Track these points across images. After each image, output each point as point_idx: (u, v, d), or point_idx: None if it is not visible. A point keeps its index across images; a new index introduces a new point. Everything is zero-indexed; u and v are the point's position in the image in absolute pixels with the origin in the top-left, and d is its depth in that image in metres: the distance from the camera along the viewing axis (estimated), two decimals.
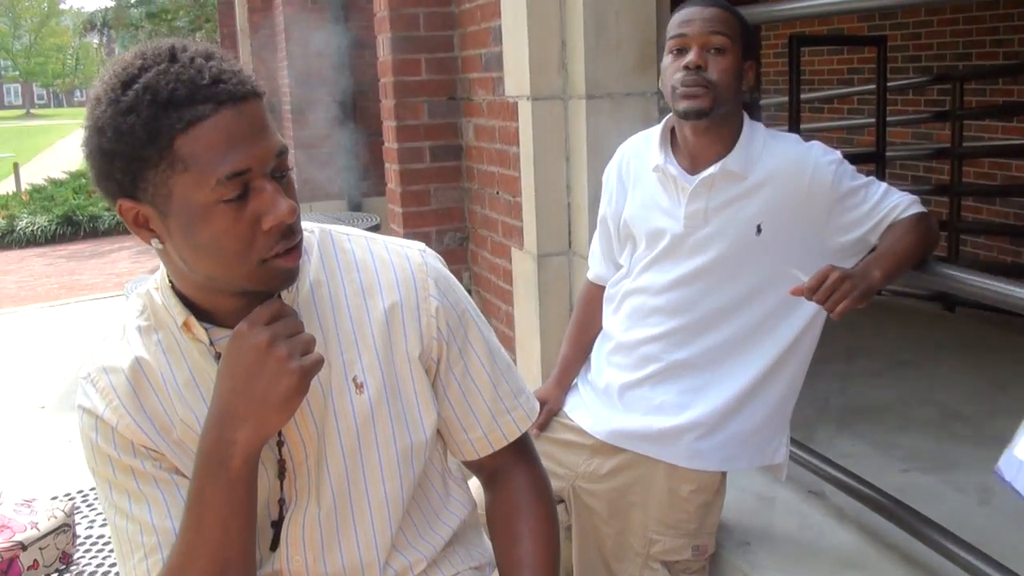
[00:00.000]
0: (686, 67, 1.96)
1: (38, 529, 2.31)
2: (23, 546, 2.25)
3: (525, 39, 3.15)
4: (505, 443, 1.53)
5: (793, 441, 2.58)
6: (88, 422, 1.35)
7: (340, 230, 1.46)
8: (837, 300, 1.78)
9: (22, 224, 13.60)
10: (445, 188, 4.22)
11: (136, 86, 1.13)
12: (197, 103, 1.13)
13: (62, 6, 65.27)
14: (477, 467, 1.58)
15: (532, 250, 3.26)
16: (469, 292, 4.25)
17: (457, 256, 4.24)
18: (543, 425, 2.30)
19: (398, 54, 4.14)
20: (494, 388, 1.50)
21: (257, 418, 1.19)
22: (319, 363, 1.22)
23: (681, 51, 1.99)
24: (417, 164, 4.19)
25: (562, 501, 2.26)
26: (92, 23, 27.50)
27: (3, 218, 13.82)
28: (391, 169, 4.32)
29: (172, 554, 1.27)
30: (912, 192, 2.04)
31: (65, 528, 2.38)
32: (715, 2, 2.00)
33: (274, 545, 1.38)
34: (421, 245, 1.50)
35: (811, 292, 1.80)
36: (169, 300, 1.32)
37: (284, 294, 1.31)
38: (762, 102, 6.10)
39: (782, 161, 2.03)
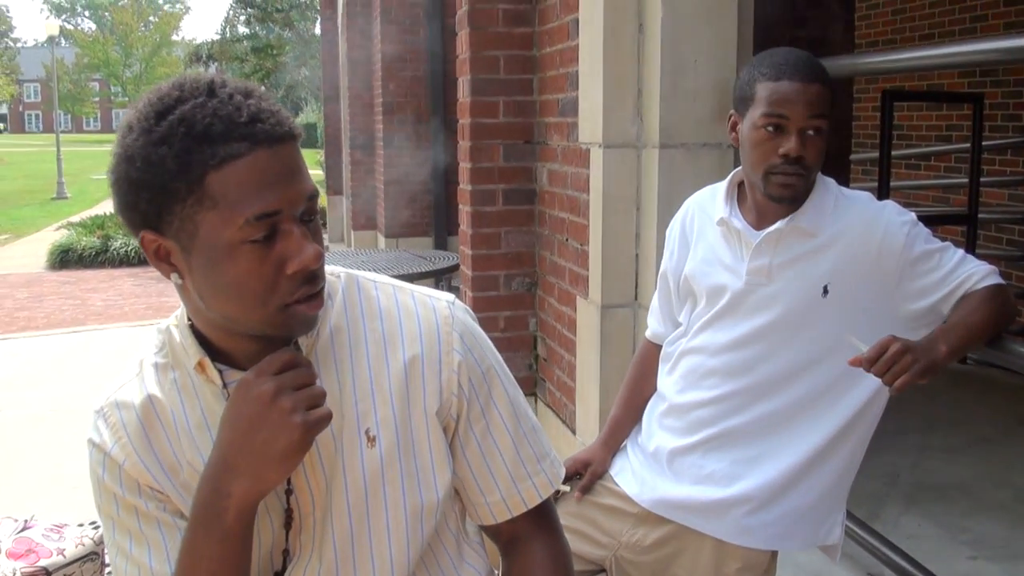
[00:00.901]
0: (785, 155, 1.86)
1: (64, 556, 2.30)
2: (47, 572, 2.25)
3: (600, 85, 3.10)
4: (524, 509, 1.45)
5: (855, 518, 2.45)
6: (96, 457, 1.32)
7: (368, 276, 1.41)
8: (896, 374, 1.66)
9: (116, 244, 13.97)
10: (516, 232, 4.16)
11: (171, 117, 1.11)
12: (232, 140, 1.10)
13: (174, 37, 67.46)
14: (494, 533, 1.49)
15: (596, 300, 3.18)
16: (535, 340, 4.23)
17: (524, 302, 4.18)
18: (586, 488, 2.20)
19: (477, 96, 4.11)
20: (516, 450, 1.43)
21: (254, 472, 1.15)
22: (325, 419, 1.16)
23: (778, 129, 1.88)
24: (489, 207, 4.15)
25: (603, 571, 2.16)
26: (198, 55, 28.29)
27: (98, 238, 14.21)
28: (464, 210, 4.29)
29: None
30: (1004, 257, 1.91)
31: (93, 556, 2.36)
32: (814, 73, 1.88)
33: None
34: (451, 297, 1.43)
35: (869, 363, 1.68)
36: (187, 339, 1.28)
37: (302, 340, 1.27)
38: (854, 156, 5.96)
39: (853, 220, 1.93)
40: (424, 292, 1.42)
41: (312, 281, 1.18)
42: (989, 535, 2.83)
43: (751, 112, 1.91)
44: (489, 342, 1.45)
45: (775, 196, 1.91)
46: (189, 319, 1.28)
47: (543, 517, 1.49)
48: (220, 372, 1.27)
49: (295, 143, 1.17)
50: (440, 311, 1.39)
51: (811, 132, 1.86)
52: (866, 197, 2.00)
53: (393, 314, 1.37)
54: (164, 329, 1.35)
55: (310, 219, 1.18)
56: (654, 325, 2.28)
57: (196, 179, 1.10)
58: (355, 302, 1.37)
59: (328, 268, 1.37)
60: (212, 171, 1.09)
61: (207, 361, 1.26)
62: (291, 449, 1.14)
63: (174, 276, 1.19)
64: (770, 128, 1.87)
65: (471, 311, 1.46)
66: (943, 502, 3.04)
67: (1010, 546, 2.75)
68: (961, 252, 1.92)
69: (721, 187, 2.07)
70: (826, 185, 1.98)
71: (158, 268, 1.21)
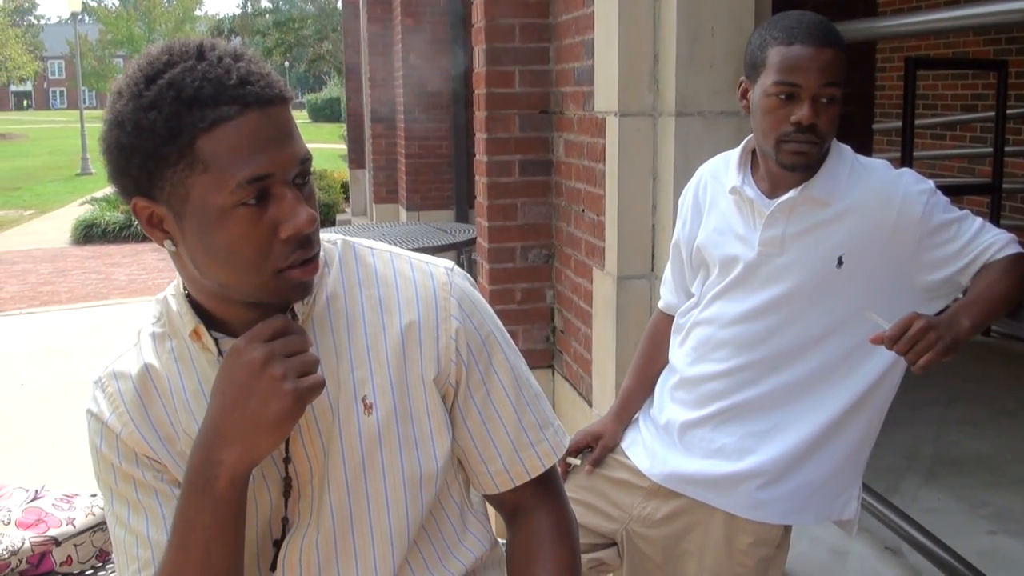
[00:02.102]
0: (798, 123, 1.81)
1: (74, 526, 2.31)
2: (56, 541, 2.26)
3: (615, 53, 3.05)
4: (527, 478, 1.43)
5: (874, 493, 2.42)
6: (94, 427, 1.32)
7: (365, 243, 1.40)
8: (920, 352, 1.61)
9: None
10: (533, 203, 4.12)
11: (160, 81, 1.10)
12: (222, 103, 1.09)
13: (197, 12, 67.45)
14: (498, 503, 1.48)
15: (612, 271, 3.14)
16: (552, 312, 4.20)
17: (541, 274, 4.14)
18: (597, 461, 2.17)
19: (492, 66, 4.07)
20: (518, 418, 1.41)
21: (245, 440, 1.14)
22: (317, 386, 1.15)
23: (790, 97, 1.81)
24: (506, 178, 4.11)
25: (614, 544, 2.13)
26: (220, 29, 28.30)
27: (122, 213, 14.28)
28: (480, 182, 4.25)
29: (159, 568, 1.22)
30: None
31: (103, 526, 2.36)
32: (828, 38, 1.81)
33: (274, 565, 1.32)
34: (449, 263, 1.41)
35: (892, 342, 1.63)
36: (183, 307, 1.28)
37: (298, 307, 1.26)
38: (878, 126, 5.88)
39: (869, 189, 1.88)
40: (422, 259, 1.41)
41: (306, 246, 1.17)
42: (1010, 509, 2.78)
43: (762, 79, 1.85)
44: (489, 309, 1.43)
45: (787, 164, 1.86)
46: (185, 288, 1.28)
47: (547, 486, 1.47)
48: (216, 340, 1.26)
49: (286, 106, 1.16)
50: (438, 277, 1.37)
51: (824, 100, 1.81)
52: (883, 165, 1.94)
53: (390, 281, 1.35)
54: (161, 299, 1.34)
55: (304, 182, 1.17)
56: (667, 296, 2.24)
57: (186, 143, 1.09)
58: (352, 269, 1.35)
59: (325, 235, 1.36)
60: (202, 134, 1.08)
61: (202, 329, 1.25)
62: (282, 416, 1.13)
63: (168, 243, 1.19)
64: (782, 96, 1.82)
65: (470, 277, 1.44)
66: (964, 476, 3.00)
67: None
68: (980, 221, 1.87)
69: (734, 155, 2.02)
70: (841, 153, 1.92)
71: (151, 235, 1.20)
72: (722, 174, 2.06)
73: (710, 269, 2.05)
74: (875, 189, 1.88)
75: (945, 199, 1.88)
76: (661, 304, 2.27)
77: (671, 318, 2.20)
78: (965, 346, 1.67)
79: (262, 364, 1.12)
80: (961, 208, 1.90)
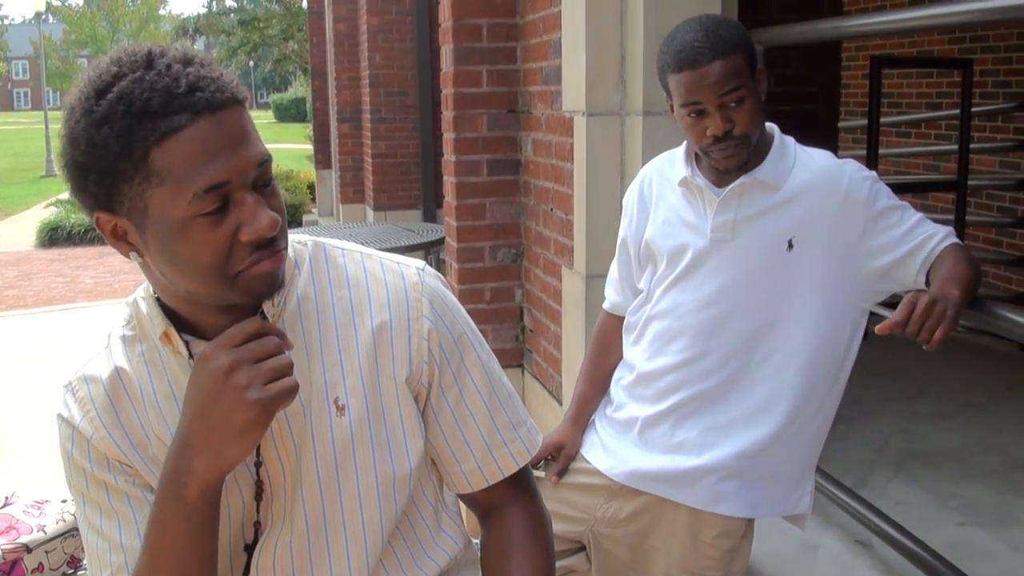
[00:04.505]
0: (713, 136, 1.87)
1: (45, 532, 2.29)
2: (27, 548, 2.23)
3: (583, 52, 3.05)
4: (500, 477, 1.43)
5: (843, 486, 2.44)
6: (65, 432, 1.31)
7: (335, 244, 1.40)
8: (932, 328, 1.63)
9: None
10: (501, 203, 4.12)
11: (110, 95, 1.09)
12: (172, 113, 1.08)
13: (161, 12, 66.82)
14: (472, 502, 1.48)
15: (581, 270, 3.15)
16: (521, 312, 4.20)
17: (510, 273, 4.15)
18: (561, 472, 2.17)
19: (460, 65, 4.07)
20: (491, 418, 1.41)
21: (213, 449, 1.12)
22: (287, 392, 1.12)
23: (700, 113, 1.88)
24: (474, 177, 4.11)
25: (582, 548, 2.14)
26: (184, 29, 28.09)
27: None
28: (448, 181, 4.25)
29: (133, 575, 1.22)
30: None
31: (74, 532, 2.34)
32: (713, 51, 1.84)
33: (246, 570, 1.31)
34: (421, 263, 1.41)
35: (901, 326, 1.65)
36: (152, 310, 1.27)
37: (268, 308, 1.25)
38: (844, 124, 5.91)
39: (816, 175, 1.94)
40: (393, 259, 1.40)
41: (269, 247, 1.16)
42: (978, 501, 2.82)
43: (672, 100, 1.94)
44: (461, 308, 1.43)
45: (721, 168, 1.94)
46: (155, 291, 1.27)
47: (521, 484, 1.47)
48: (187, 343, 1.25)
49: (241, 108, 1.14)
50: (409, 277, 1.37)
51: (732, 104, 1.86)
52: (827, 154, 2.01)
53: (361, 282, 1.35)
54: (131, 302, 1.33)
55: (266, 184, 1.16)
56: (612, 296, 2.27)
57: (140, 157, 1.08)
58: (322, 270, 1.35)
59: (295, 236, 1.36)
60: (154, 147, 1.08)
61: (173, 332, 1.24)
62: (248, 426, 1.11)
63: (133, 255, 1.18)
64: (692, 114, 1.89)
65: (442, 277, 1.44)
66: (932, 468, 3.04)
67: (999, 512, 2.75)
68: (920, 214, 1.93)
69: (678, 151, 2.08)
70: (784, 143, 1.99)
71: (116, 248, 1.19)
72: (667, 169, 2.11)
73: (658, 262, 2.08)
74: (822, 174, 1.94)
75: (888, 187, 1.95)
76: (607, 305, 2.29)
77: (618, 319, 2.22)
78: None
79: (226, 372, 1.10)
80: (929, 204, 1.94)
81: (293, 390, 1.13)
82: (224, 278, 1.14)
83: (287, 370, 1.13)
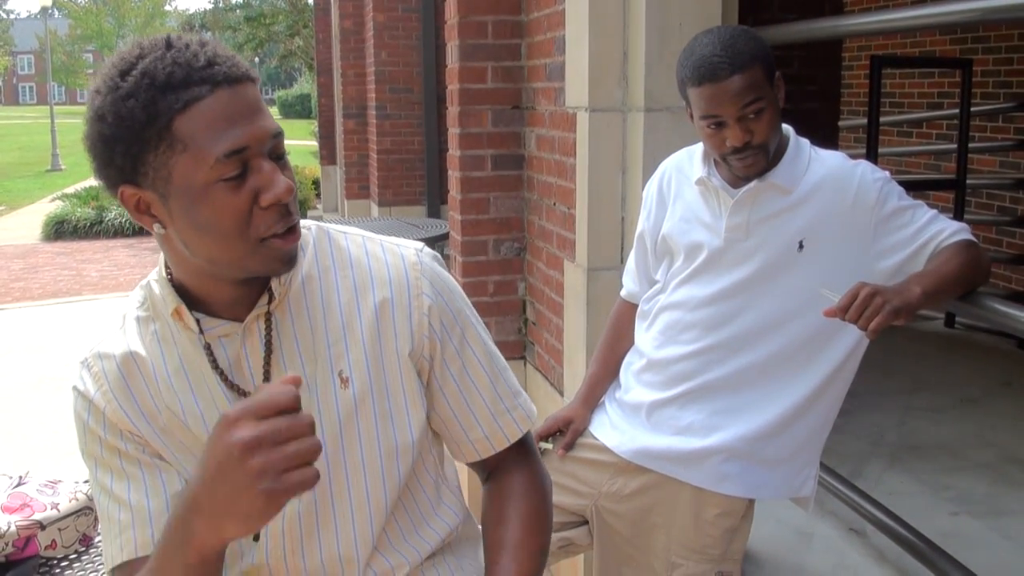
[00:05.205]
0: (733, 147, 1.91)
1: (58, 510, 2.34)
2: (41, 525, 2.28)
3: (586, 49, 3.09)
4: (507, 444, 1.51)
5: (837, 475, 2.49)
6: (81, 403, 1.37)
7: (338, 228, 1.47)
8: (869, 317, 1.68)
9: (111, 215, 13.94)
10: (505, 197, 4.16)
11: (134, 72, 1.17)
12: (193, 84, 1.16)
13: (167, 7, 66.82)
14: (480, 468, 1.56)
15: (583, 263, 3.20)
16: (524, 304, 4.24)
17: (513, 266, 4.19)
18: (569, 445, 2.23)
19: (465, 61, 4.10)
20: (493, 387, 1.49)
21: (214, 521, 1.04)
22: (305, 484, 1.01)
23: (719, 125, 1.92)
24: (479, 172, 4.15)
25: (585, 523, 2.20)
26: (191, 25, 28.09)
27: (93, 209, 14.19)
28: (453, 176, 4.29)
29: None
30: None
31: (87, 511, 2.39)
32: (733, 65, 1.86)
33: (257, 536, 1.37)
34: (419, 244, 1.49)
35: (843, 311, 1.71)
36: (164, 289, 1.33)
37: (276, 286, 1.31)
38: (844, 123, 5.95)
39: (828, 177, 1.98)
40: (393, 241, 1.48)
41: (287, 215, 1.22)
42: (971, 492, 2.86)
43: (692, 110, 1.97)
44: (459, 287, 1.50)
45: (740, 176, 1.98)
46: (168, 272, 1.34)
47: (524, 449, 1.55)
48: (197, 320, 1.31)
49: (254, 85, 1.22)
50: (408, 258, 1.44)
51: (751, 116, 1.90)
52: (840, 156, 2.04)
53: (363, 262, 1.42)
54: (145, 284, 1.40)
55: (279, 156, 1.23)
56: (629, 285, 2.33)
57: (164, 125, 1.15)
58: (326, 252, 1.41)
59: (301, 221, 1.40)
60: (178, 115, 1.15)
61: (183, 308, 1.31)
62: (251, 514, 1.01)
63: (156, 227, 1.24)
64: (712, 126, 1.93)
65: (439, 257, 1.50)
66: (926, 460, 3.07)
67: (992, 502, 2.79)
68: (934, 211, 1.96)
69: (697, 149, 2.12)
70: (800, 145, 2.03)
71: (140, 221, 1.25)
72: (686, 166, 2.15)
73: (675, 256, 2.13)
74: (833, 176, 1.97)
75: (900, 188, 1.97)
76: (623, 292, 2.36)
77: (633, 306, 2.29)
78: (916, 311, 1.72)
79: (242, 451, 0.99)
80: (928, 204, 1.98)
81: (311, 482, 1.02)
82: (246, 241, 1.20)
83: (312, 455, 1.02)
